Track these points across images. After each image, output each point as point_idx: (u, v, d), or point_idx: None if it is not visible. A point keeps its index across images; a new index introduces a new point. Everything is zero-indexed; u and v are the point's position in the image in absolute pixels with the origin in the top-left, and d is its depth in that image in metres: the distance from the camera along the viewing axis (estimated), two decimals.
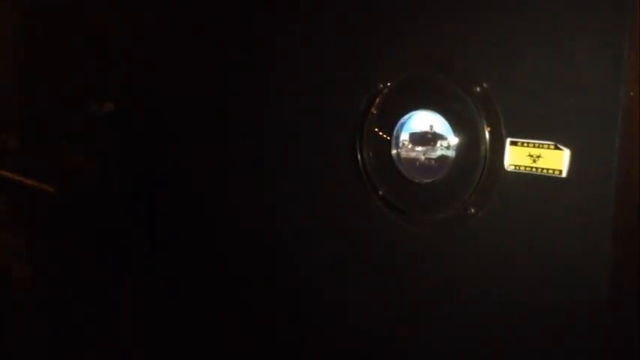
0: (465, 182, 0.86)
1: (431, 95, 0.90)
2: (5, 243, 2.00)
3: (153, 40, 1.41)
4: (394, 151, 0.94)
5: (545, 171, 0.79)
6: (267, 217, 1.20)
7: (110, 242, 1.58)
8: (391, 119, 0.93)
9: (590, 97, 0.75)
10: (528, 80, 0.80)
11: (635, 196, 0.79)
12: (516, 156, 0.81)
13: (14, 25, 1.91)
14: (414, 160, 0.91)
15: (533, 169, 0.80)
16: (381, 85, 0.96)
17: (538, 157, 0.79)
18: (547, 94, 0.79)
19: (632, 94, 0.73)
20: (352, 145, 1.00)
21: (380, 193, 0.98)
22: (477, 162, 0.85)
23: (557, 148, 0.77)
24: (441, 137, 0.88)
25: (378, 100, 0.96)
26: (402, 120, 0.92)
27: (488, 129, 0.84)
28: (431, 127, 0.89)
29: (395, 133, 0.93)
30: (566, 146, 0.77)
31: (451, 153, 0.87)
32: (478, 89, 0.84)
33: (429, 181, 0.90)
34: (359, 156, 1.00)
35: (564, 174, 0.77)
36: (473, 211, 0.86)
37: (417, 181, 0.92)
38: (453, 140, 0.87)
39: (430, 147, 0.89)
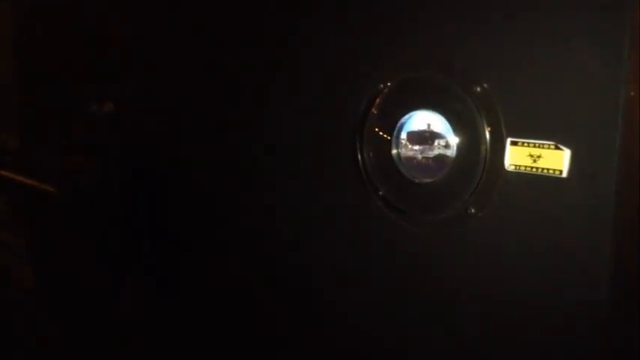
0: (465, 182, 0.86)
1: (431, 95, 0.90)
2: (5, 243, 2.00)
3: (153, 40, 1.41)
4: (394, 151, 0.94)
5: (545, 171, 0.79)
6: (267, 217, 1.20)
7: (110, 242, 1.58)
8: (391, 119, 0.93)
9: (590, 97, 0.75)
10: (528, 80, 0.80)
11: (635, 196, 0.79)
12: (517, 156, 0.81)
13: (14, 25, 1.91)
14: (414, 159, 0.91)
15: (534, 169, 0.80)
16: (382, 85, 0.96)
17: (538, 157, 0.79)
18: (547, 94, 0.79)
19: (632, 94, 0.73)
20: (352, 145, 1.00)
21: (380, 193, 0.98)
22: (477, 162, 0.85)
23: (557, 148, 0.77)
24: (441, 137, 0.88)
25: (378, 100, 0.96)
26: (402, 120, 0.92)
27: (489, 129, 0.84)
28: (429, 126, 0.89)
29: (395, 133, 0.93)
30: (567, 146, 0.77)
31: (451, 153, 0.87)
32: (478, 89, 0.84)
33: (429, 181, 0.90)
34: (359, 156, 1.00)
35: (565, 174, 0.77)
36: (473, 211, 0.86)
37: (417, 181, 0.92)
38: (453, 140, 0.87)
39: (430, 147, 0.89)
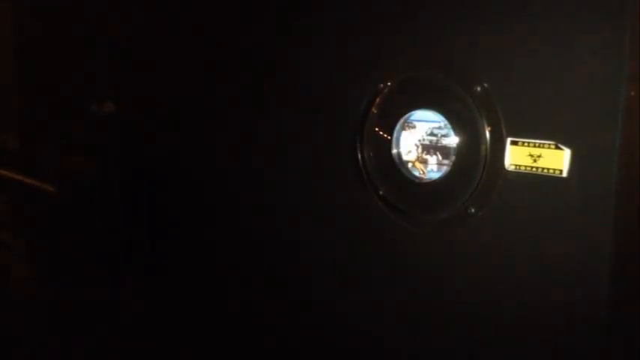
0: (466, 182, 0.86)
1: (431, 95, 0.90)
2: (5, 243, 2.00)
3: (153, 40, 1.41)
4: (394, 151, 0.94)
5: (545, 171, 0.79)
6: (268, 216, 1.20)
7: (110, 242, 1.58)
8: (391, 119, 0.93)
9: (590, 97, 0.75)
10: (528, 80, 0.80)
11: (635, 196, 0.79)
12: (517, 156, 0.81)
13: (14, 25, 1.91)
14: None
15: (534, 169, 0.80)
16: (382, 85, 0.96)
17: (538, 156, 0.79)
18: (547, 94, 0.79)
19: (632, 94, 0.73)
20: (353, 144, 1.00)
21: (380, 192, 0.98)
22: (478, 162, 0.85)
23: (557, 147, 0.77)
24: (442, 136, 0.88)
25: (378, 99, 0.96)
26: (402, 120, 0.92)
27: (489, 129, 0.84)
28: (430, 125, 0.89)
29: (395, 132, 0.93)
30: (567, 146, 0.77)
31: (451, 152, 0.87)
32: (478, 89, 0.84)
33: (429, 180, 0.90)
34: (359, 156, 1.00)
35: (565, 174, 0.77)
36: (473, 210, 0.86)
37: (417, 180, 0.92)
38: (454, 140, 0.87)
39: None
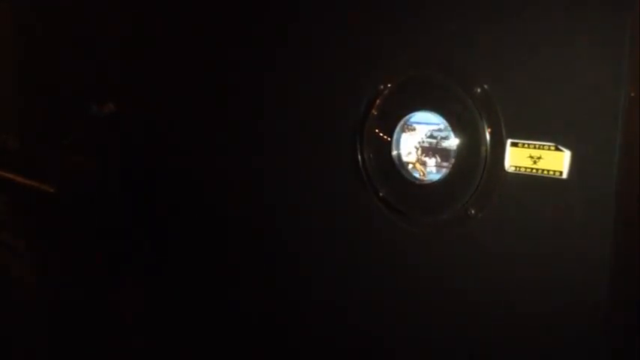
0: (466, 183, 0.86)
1: (431, 96, 0.90)
2: (5, 243, 2.00)
3: (153, 40, 1.41)
4: (395, 152, 0.94)
5: (545, 172, 0.79)
6: (268, 217, 1.20)
7: (110, 242, 1.58)
8: (391, 120, 0.93)
9: (590, 97, 0.75)
10: (528, 81, 0.80)
11: (635, 196, 0.79)
12: (517, 157, 0.81)
13: (14, 25, 1.90)
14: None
15: (534, 171, 0.80)
16: (382, 86, 0.96)
17: (539, 158, 0.79)
18: (547, 95, 0.79)
19: (632, 94, 0.73)
20: (353, 146, 1.00)
21: (380, 194, 0.98)
22: (478, 163, 0.85)
23: (557, 149, 0.77)
24: (442, 138, 0.88)
25: (378, 101, 0.96)
26: (402, 121, 0.92)
27: (489, 130, 0.84)
28: (430, 127, 0.89)
29: (395, 134, 0.93)
30: (567, 147, 0.77)
31: (451, 154, 0.87)
32: (478, 90, 0.84)
33: (429, 182, 0.90)
34: (359, 157, 1.00)
35: (565, 175, 0.77)
36: (473, 212, 0.86)
37: (417, 182, 0.92)
38: (453, 142, 0.87)
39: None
